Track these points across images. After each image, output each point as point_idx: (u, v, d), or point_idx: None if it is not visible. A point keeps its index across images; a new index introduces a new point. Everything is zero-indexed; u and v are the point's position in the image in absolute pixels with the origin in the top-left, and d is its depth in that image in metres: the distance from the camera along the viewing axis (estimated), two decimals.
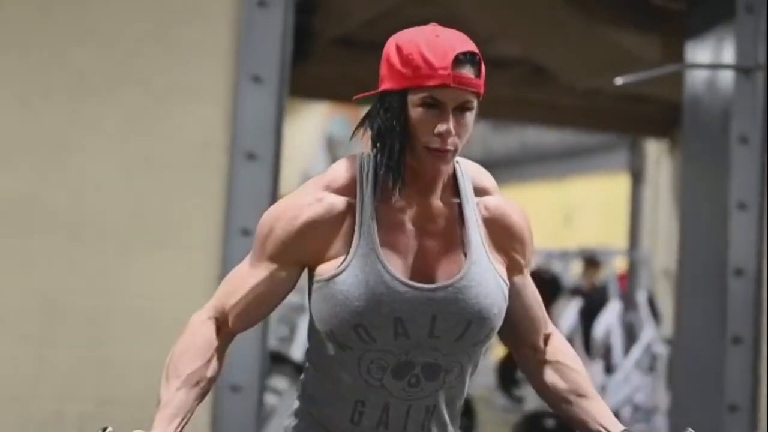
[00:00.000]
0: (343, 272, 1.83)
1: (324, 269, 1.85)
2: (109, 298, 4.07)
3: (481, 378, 9.67)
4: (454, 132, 1.81)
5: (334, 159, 6.12)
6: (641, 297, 9.16)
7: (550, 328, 2.05)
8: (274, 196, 4.23)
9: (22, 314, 3.98)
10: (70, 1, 4.09)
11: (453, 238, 1.90)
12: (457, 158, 1.93)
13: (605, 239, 12.38)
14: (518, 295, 1.98)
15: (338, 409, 1.90)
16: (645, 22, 6.45)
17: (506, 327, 1.97)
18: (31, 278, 4.00)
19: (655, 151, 11.27)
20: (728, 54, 4.85)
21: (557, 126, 11.80)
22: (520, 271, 1.98)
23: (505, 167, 16.09)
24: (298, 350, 7.43)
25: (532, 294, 2.02)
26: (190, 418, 1.83)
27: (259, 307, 1.92)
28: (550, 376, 2.02)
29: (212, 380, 1.87)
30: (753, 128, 4.77)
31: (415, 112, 1.82)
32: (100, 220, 4.06)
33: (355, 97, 1.92)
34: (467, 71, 1.81)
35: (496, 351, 9.65)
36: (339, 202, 1.87)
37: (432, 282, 1.86)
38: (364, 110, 1.92)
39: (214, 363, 1.88)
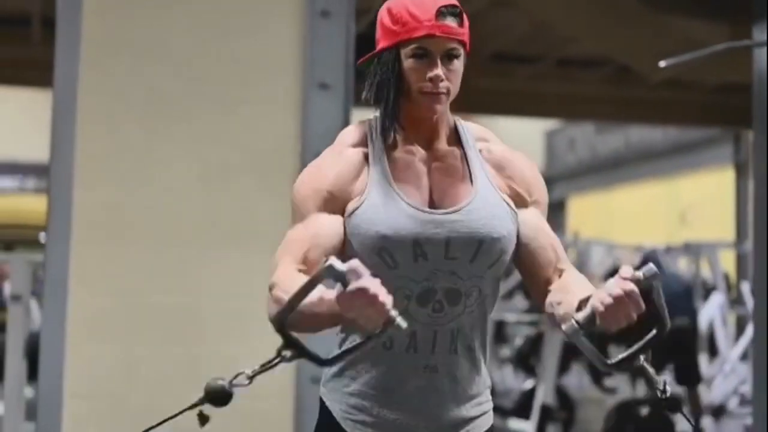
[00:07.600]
0: (363, 203, 2.06)
1: (350, 206, 2.08)
2: (192, 298, 4.34)
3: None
4: (444, 76, 2.05)
5: None
6: (747, 289, 9.05)
7: (565, 265, 2.14)
8: None
9: (113, 315, 4.28)
10: (145, 24, 4.39)
11: (459, 173, 2.13)
12: (459, 119, 2.18)
13: (721, 235, 12.25)
14: (524, 227, 2.12)
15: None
16: (712, 10, 6.48)
17: (521, 264, 2.13)
18: (121, 281, 4.30)
19: None
20: None
21: (657, 123, 11.75)
22: (525, 206, 2.14)
23: (612, 168, 15.96)
24: None
25: (541, 229, 2.14)
26: None
27: (325, 247, 2.04)
28: (553, 294, 2.08)
29: None
30: None
31: (408, 63, 2.07)
32: (180, 225, 4.35)
33: (358, 62, 2.16)
34: (450, 21, 2.05)
35: None
36: (354, 152, 2.12)
37: (442, 209, 2.08)
38: None
39: None
